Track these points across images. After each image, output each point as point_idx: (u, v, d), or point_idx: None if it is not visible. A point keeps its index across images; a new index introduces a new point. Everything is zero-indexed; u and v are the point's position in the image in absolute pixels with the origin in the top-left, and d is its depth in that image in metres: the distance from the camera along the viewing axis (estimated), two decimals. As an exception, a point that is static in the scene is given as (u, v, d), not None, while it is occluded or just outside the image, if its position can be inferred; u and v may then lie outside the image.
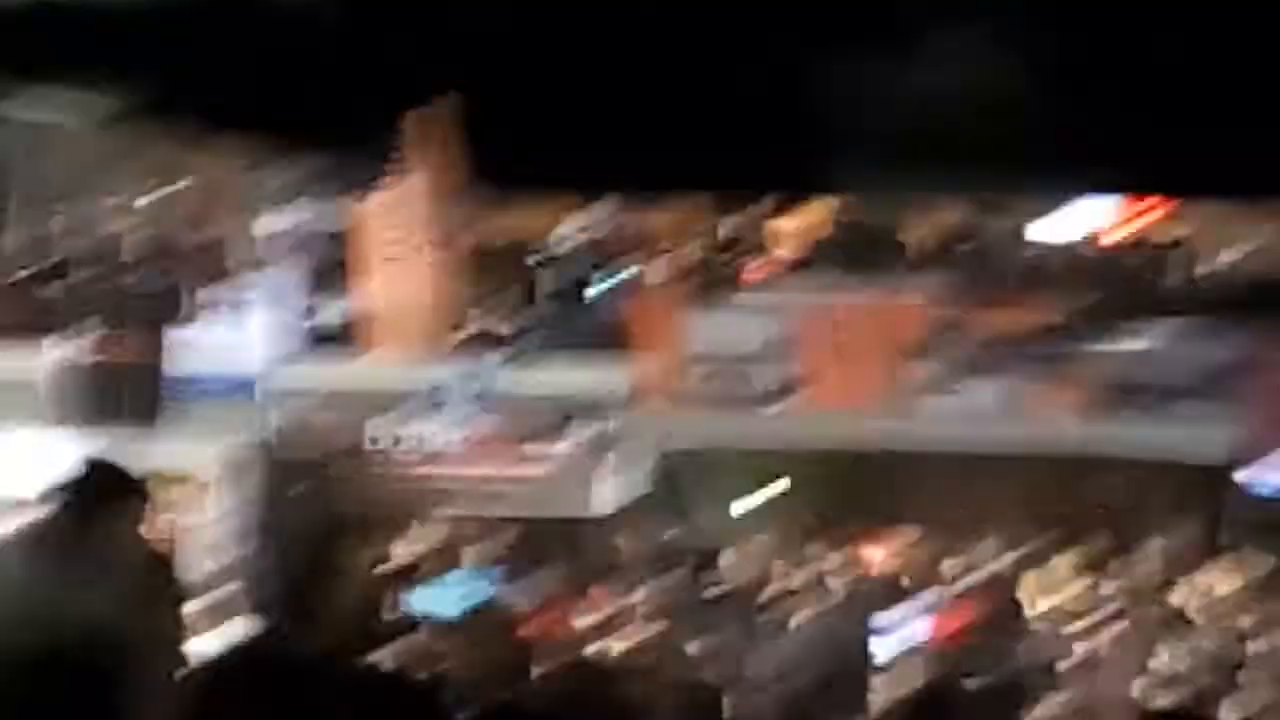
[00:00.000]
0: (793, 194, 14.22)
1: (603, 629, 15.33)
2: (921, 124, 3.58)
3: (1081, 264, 21.19)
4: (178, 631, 6.05)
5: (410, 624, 5.72)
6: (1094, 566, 18.03)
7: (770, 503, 20.59)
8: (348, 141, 4.11)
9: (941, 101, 3.56)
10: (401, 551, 17.05)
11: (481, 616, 5.49)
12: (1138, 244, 21.92)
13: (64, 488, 5.47)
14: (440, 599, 5.53)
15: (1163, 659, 15.81)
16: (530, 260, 20.83)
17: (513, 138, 3.88)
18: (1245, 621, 14.32)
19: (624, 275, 21.03)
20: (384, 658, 6.04)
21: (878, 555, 18.22)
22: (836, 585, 17.83)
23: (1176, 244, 21.36)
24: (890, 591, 17.56)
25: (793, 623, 16.62)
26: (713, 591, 18.06)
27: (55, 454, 5.68)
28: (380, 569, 16.68)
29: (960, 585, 17.80)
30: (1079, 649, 16.11)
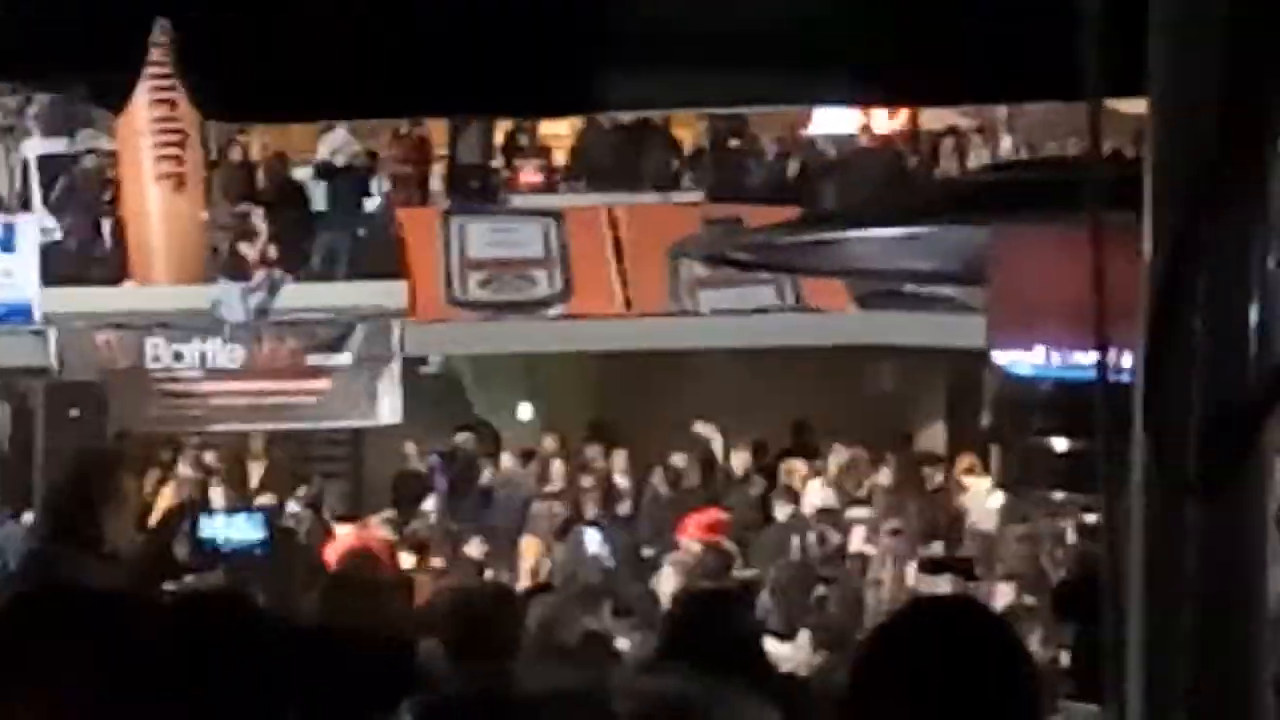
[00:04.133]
0: (541, 113, 14.10)
1: (395, 537, 15.45)
2: (674, 34, 3.62)
3: (854, 155, 21.46)
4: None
5: (211, 550, 5.80)
6: (868, 455, 18.38)
7: (550, 405, 20.79)
8: (108, 64, 4.04)
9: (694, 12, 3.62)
10: (188, 473, 17.03)
11: (276, 538, 5.59)
12: (910, 135, 22.31)
13: None
14: (232, 524, 5.60)
15: (935, 545, 16.26)
16: (302, 173, 20.67)
17: (240, 64, 3.82)
18: (1005, 503, 14.81)
19: (398, 183, 20.98)
20: (183, 586, 6.12)
21: (656, 455, 18.47)
22: (618, 486, 18.15)
23: (949, 133, 21.82)
24: (670, 491, 17.86)
25: (575, 524, 16.89)
26: (494, 494, 18.30)
27: None
28: (168, 491, 16.69)
29: (741, 481, 18.13)
30: (853, 537, 16.47)
